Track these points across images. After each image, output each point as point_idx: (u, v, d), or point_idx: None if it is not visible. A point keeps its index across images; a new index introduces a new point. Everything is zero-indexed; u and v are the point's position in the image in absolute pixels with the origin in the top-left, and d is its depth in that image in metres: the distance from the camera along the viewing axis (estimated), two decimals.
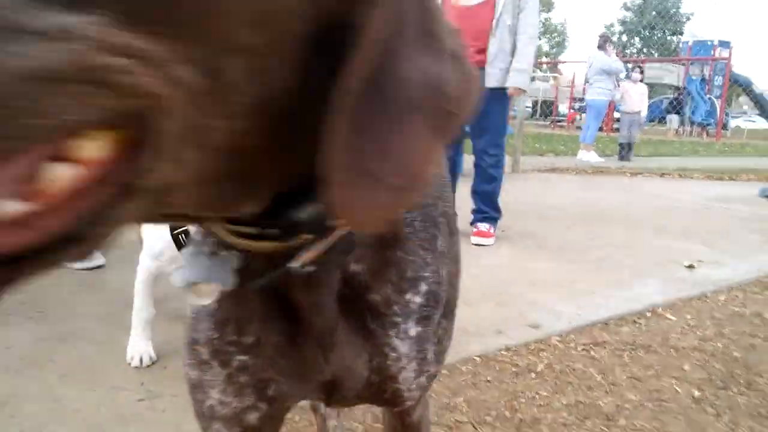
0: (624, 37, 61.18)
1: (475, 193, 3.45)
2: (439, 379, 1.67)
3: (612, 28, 62.20)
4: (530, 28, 3.10)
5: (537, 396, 1.61)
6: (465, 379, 1.70)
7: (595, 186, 6.39)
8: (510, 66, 3.09)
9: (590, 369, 1.80)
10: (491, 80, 3.10)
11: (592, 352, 1.92)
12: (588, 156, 9.36)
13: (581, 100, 29.95)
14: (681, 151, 12.75)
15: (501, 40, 3.07)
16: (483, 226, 3.36)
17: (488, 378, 1.71)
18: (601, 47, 9.54)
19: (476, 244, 3.29)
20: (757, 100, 27.20)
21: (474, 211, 3.44)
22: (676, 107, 23.29)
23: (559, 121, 27.45)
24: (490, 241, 3.31)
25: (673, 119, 23.35)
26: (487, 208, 3.40)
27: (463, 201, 3.54)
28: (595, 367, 1.82)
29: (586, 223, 4.11)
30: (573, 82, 25.73)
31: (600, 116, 9.99)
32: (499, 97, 3.14)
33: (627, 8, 62.01)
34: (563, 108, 28.12)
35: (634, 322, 2.22)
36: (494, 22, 3.06)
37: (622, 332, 2.11)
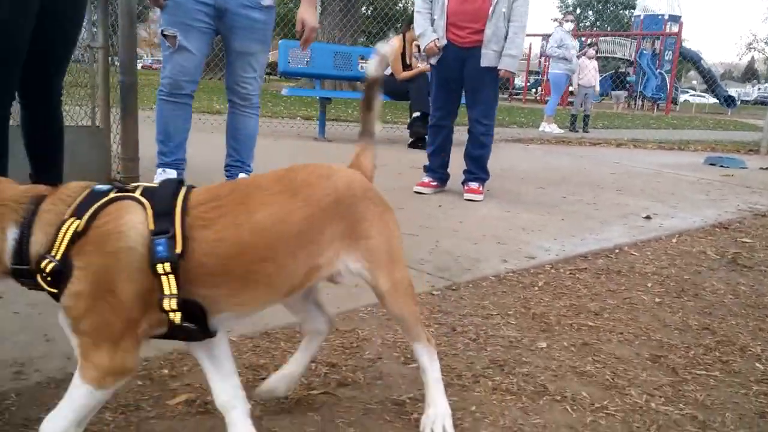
0: (578, 11, 62.26)
1: (468, 157, 3.96)
2: (464, 293, 2.19)
3: (566, 1, 63.18)
4: (521, 17, 3.60)
5: (542, 301, 2.15)
6: (486, 290, 2.22)
7: (559, 154, 7.00)
8: (503, 50, 3.59)
9: (577, 285, 2.35)
10: (485, 60, 3.63)
11: (578, 275, 2.47)
12: (550, 128, 9.99)
13: (536, 73, 30.51)
14: (634, 124, 13.57)
15: (496, 26, 3.57)
16: (474, 185, 3.90)
17: (503, 290, 2.24)
18: (561, 24, 10.14)
19: (468, 200, 3.82)
20: (705, 75, 28.37)
21: (465, 172, 3.97)
22: (622, 81, 24.01)
23: (516, 94, 28.16)
24: (480, 197, 3.84)
25: (620, 94, 24.05)
26: (478, 171, 3.93)
27: (456, 165, 4.06)
28: (580, 284, 2.36)
29: (556, 185, 4.69)
30: (528, 56, 26.35)
31: (560, 90, 10.61)
32: (492, 75, 3.66)
33: None
34: (519, 81, 28.75)
35: (607, 256, 2.79)
36: (491, 9, 3.55)
37: (598, 263, 2.67)
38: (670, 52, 23.97)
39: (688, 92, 38.84)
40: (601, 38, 28.44)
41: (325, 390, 1.45)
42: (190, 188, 1.05)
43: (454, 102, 3.92)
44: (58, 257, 0.93)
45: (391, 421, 1.33)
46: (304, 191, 1.08)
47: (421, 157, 5.98)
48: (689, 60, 28.58)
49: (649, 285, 2.39)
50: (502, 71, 3.66)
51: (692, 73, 35.91)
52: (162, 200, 1.00)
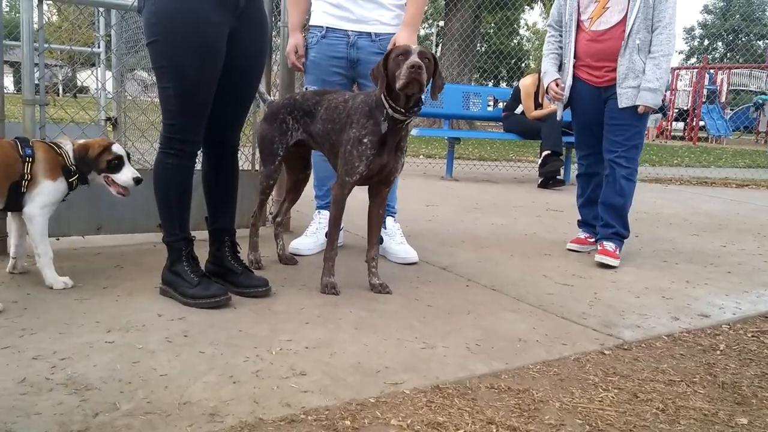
0: (705, 42, 58.93)
1: (603, 205, 3.33)
2: (637, 354, 2.04)
3: (693, 32, 59.96)
4: (662, 45, 3.12)
5: (728, 367, 1.96)
6: (662, 352, 2.06)
7: (704, 197, 6.54)
8: (641, 84, 3.14)
9: (764, 350, 2.12)
10: (623, 100, 3.18)
11: (762, 338, 2.24)
12: None
13: (659, 109, 28.95)
14: None
15: (630, 60, 3.14)
16: (609, 246, 3.24)
17: (681, 353, 2.06)
18: None
19: (599, 263, 3.18)
20: None
21: (600, 226, 3.35)
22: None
23: None
24: (616, 262, 3.17)
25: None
26: (615, 224, 3.27)
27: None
28: None
29: (712, 232, 4.36)
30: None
31: None
32: (634, 114, 3.21)
33: (708, 11, 59.60)
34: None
35: None
36: (623, 43, 3.14)
37: None
38: None
39: None
40: (733, 71, 26.70)
41: None
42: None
43: (601, 146, 3.40)
44: None
45: None
46: None
47: (555, 197, 5.83)
48: None
49: None
50: (640, 107, 3.17)
51: None
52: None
